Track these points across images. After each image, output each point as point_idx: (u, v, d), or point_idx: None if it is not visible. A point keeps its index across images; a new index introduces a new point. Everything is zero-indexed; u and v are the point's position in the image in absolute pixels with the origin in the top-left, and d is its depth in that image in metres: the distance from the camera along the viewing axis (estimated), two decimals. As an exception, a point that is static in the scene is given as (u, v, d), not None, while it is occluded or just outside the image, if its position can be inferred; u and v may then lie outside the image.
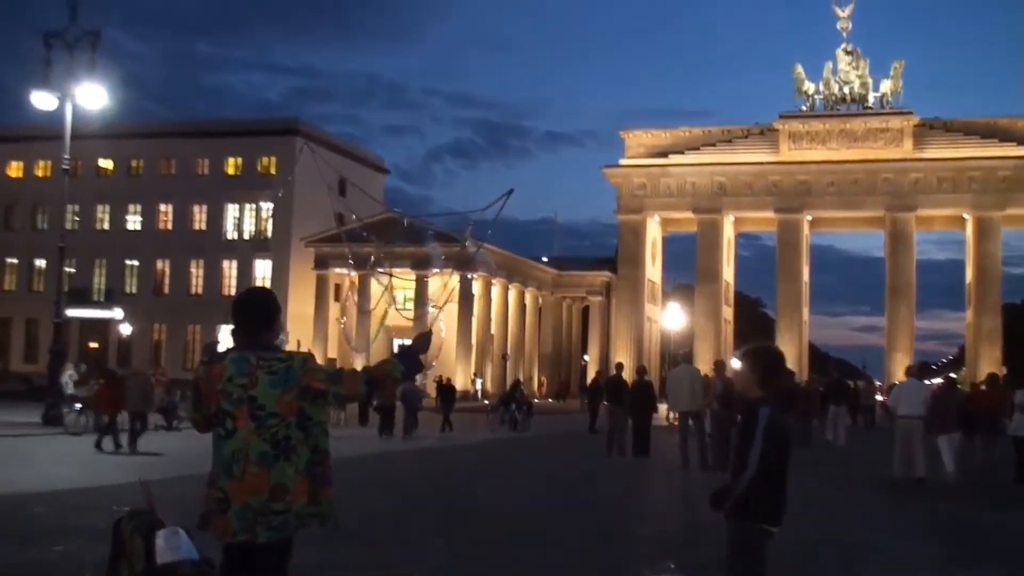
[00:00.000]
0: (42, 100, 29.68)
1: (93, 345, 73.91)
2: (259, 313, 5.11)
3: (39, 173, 77.17)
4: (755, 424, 5.45)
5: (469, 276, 62.25)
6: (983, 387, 23.99)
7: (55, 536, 10.30)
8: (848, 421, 34.70)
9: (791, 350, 66.48)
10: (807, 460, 23.85)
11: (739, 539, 5.60)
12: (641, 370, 26.93)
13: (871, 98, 67.21)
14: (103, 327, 73.59)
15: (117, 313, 71.24)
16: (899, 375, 50.14)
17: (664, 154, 69.63)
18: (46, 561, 9.09)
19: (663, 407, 27.72)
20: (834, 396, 31.83)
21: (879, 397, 39.48)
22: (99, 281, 75.76)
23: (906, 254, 65.61)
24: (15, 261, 78.13)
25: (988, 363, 57.22)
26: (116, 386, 23.04)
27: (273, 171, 73.18)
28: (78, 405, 27.62)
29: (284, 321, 66.42)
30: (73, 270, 68.21)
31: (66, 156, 30.96)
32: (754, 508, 5.48)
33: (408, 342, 5.31)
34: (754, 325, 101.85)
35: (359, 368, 5.08)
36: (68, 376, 33.48)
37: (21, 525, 11.28)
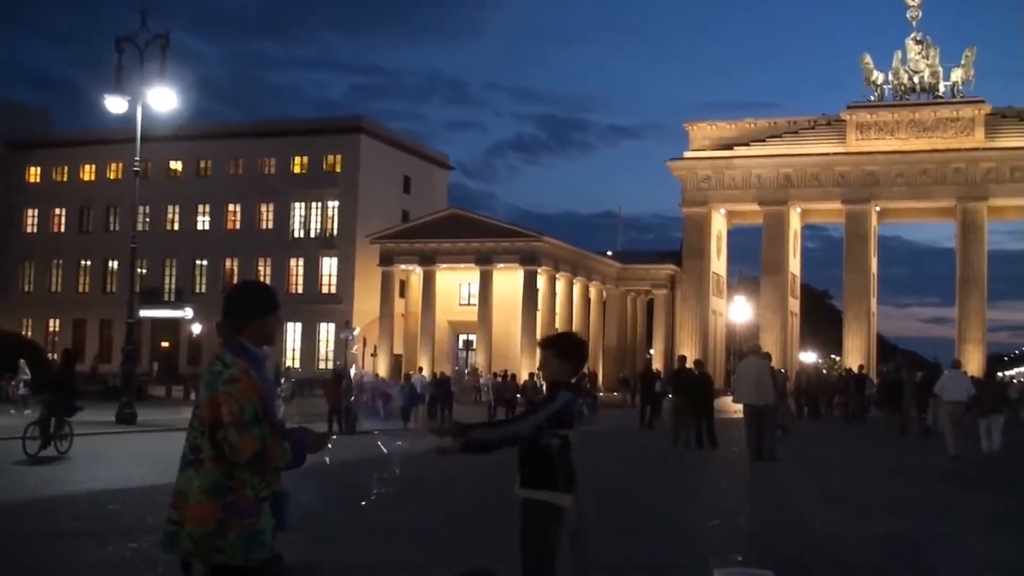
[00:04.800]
0: (114, 104, 30.15)
1: (164, 344, 75.19)
2: (229, 306, 4.74)
3: (111, 176, 78.66)
4: (551, 402, 5.57)
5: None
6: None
7: (131, 534, 10.51)
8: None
9: (860, 341, 65.82)
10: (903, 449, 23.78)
11: (535, 513, 5.55)
12: (699, 363, 27.19)
13: (942, 87, 66.18)
14: (174, 326, 74.80)
15: (187, 312, 72.34)
16: (971, 367, 49.41)
17: (729, 146, 69.21)
18: (122, 559, 9.28)
19: (727, 399, 27.70)
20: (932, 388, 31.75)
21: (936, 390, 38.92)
22: (170, 281, 77.02)
23: (977, 245, 64.48)
24: (89, 263, 79.75)
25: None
26: None
27: (338, 169, 73.88)
28: None
29: (350, 319, 67.11)
30: (144, 271, 69.41)
31: (137, 159, 31.49)
32: (546, 480, 5.52)
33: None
34: (820, 317, 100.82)
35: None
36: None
37: (98, 523, 11.52)
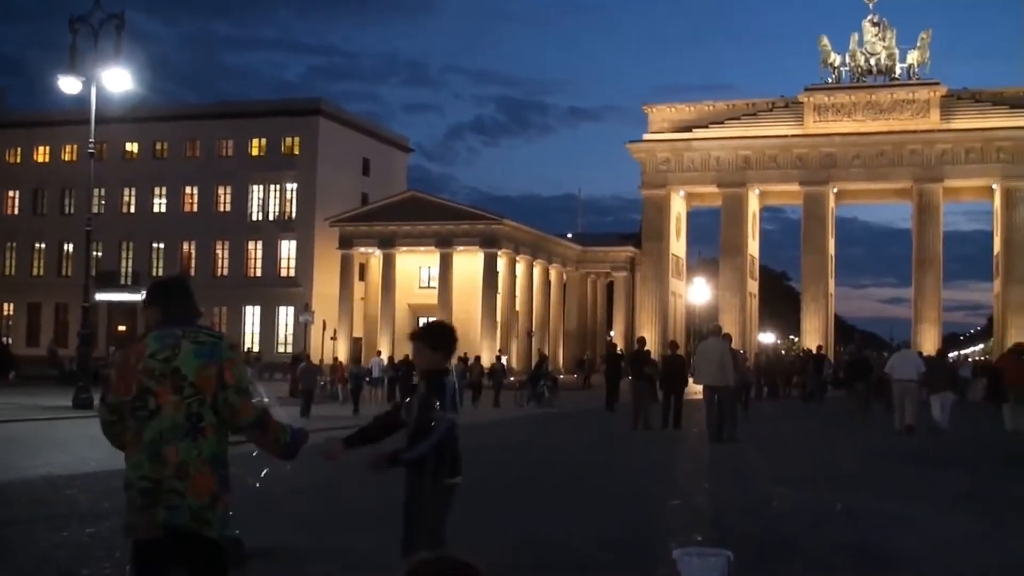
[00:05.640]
0: (68, 85, 29.76)
1: (121, 328, 74.44)
2: (184, 291, 4.78)
3: (66, 157, 77.66)
4: (442, 391, 5.92)
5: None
6: (1015, 356, 24.33)
7: (88, 519, 10.42)
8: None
9: (817, 322, 66.34)
10: (863, 428, 23.94)
11: (434, 497, 5.95)
12: (673, 345, 27.14)
13: (898, 69, 66.67)
14: (131, 310, 73.98)
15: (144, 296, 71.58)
16: (926, 346, 50.03)
17: (688, 128, 69.36)
18: (79, 544, 9.20)
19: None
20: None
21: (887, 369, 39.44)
22: (126, 264, 76.26)
23: (933, 225, 65.14)
24: (43, 246, 78.77)
25: (1016, 333, 56.81)
26: None
27: (297, 151, 73.43)
28: None
29: (309, 302, 66.86)
30: (100, 254, 68.72)
31: (91, 140, 31.07)
32: (446, 467, 5.92)
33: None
34: (779, 298, 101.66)
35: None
36: None
37: (55, 508, 11.41)
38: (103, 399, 4.57)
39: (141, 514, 4.28)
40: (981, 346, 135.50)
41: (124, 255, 76.38)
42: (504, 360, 68.14)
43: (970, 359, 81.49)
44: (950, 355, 39.95)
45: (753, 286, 74.03)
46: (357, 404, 32.48)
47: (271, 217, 74.08)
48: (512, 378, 54.51)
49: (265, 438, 4.56)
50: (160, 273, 74.54)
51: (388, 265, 69.58)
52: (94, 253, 43.37)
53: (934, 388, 23.37)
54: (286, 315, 71.79)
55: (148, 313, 4.75)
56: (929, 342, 56.10)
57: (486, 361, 46.60)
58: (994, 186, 65.30)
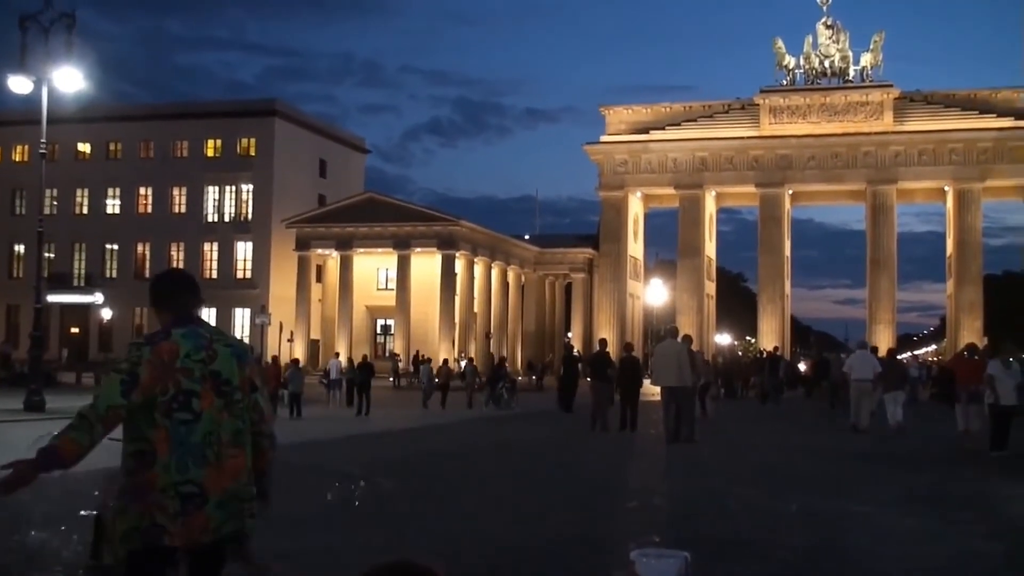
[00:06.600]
0: (18, 84, 29.33)
1: (74, 330, 73.61)
2: (195, 288, 4.68)
3: (16, 158, 76.78)
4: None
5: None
6: (967, 356, 24.54)
7: (37, 523, 10.23)
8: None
9: (774, 323, 66.81)
10: (819, 428, 24.06)
11: None
12: (628, 347, 27.15)
13: (852, 71, 67.33)
14: (84, 312, 73.26)
15: (98, 298, 70.87)
16: (881, 347, 50.43)
17: (645, 130, 69.61)
18: (28, 548, 9.03)
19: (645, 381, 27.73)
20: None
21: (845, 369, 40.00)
22: (79, 266, 75.42)
23: (887, 227, 65.81)
24: (-6, 247, 77.73)
25: (969, 334, 57.53)
26: None
27: (253, 152, 72.94)
28: None
29: (266, 304, 66.43)
30: (52, 255, 67.89)
31: (43, 140, 30.63)
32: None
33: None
34: (736, 299, 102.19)
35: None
36: None
37: (3, 512, 11.19)
38: (125, 395, 4.19)
39: (175, 520, 4.16)
40: (934, 346, 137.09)
41: (77, 256, 75.53)
42: (465, 362, 68.21)
43: (919, 359, 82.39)
44: (903, 356, 40.54)
45: (710, 287, 74.43)
46: (292, 409, 31.58)
47: (227, 218, 73.52)
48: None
49: (273, 451, 4.57)
50: (114, 275, 73.92)
51: (345, 267, 69.28)
52: (46, 254, 42.77)
53: (888, 388, 24.01)
54: (242, 317, 71.24)
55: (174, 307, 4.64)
56: (883, 342, 56.53)
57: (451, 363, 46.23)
58: (946, 188, 66.13)
